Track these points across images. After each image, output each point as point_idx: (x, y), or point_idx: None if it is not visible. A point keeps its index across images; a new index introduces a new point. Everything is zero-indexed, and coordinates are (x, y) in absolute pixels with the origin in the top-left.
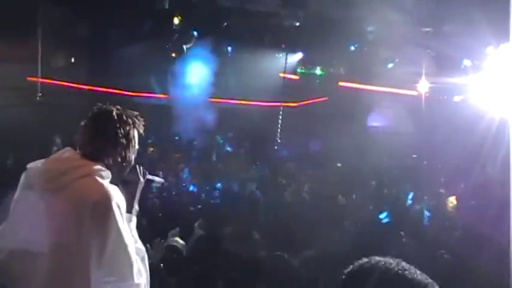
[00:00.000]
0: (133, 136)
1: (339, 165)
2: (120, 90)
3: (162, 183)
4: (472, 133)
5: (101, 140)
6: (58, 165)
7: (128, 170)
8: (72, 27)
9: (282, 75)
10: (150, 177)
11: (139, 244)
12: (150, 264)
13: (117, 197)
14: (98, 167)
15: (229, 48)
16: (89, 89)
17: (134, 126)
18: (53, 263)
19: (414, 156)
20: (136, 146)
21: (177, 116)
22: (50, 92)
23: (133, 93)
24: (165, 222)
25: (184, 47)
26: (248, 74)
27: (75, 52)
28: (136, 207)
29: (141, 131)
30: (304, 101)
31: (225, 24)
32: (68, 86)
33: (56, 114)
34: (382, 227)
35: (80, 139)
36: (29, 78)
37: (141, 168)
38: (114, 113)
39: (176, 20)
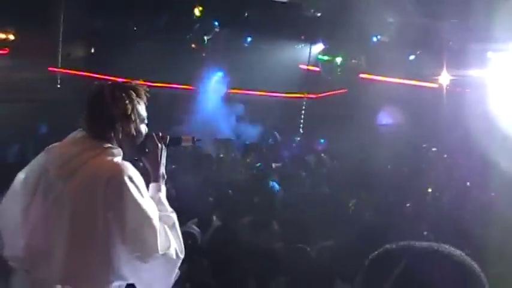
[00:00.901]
0: (133, 109)
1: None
2: (139, 80)
3: (193, 142)
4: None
5: (98, 119)
6: (69, 149)
7: (141, 140)
8: (92, 18)
9: (303, 66)
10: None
11: (169, 212)
12: None
13: (130, 171)
14: (107, 145)
15: (249, 39)
16: (108, 80)
17: (131, 99)
18: (71, 243)
19: (434, 149)
20: (142, 117)
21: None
22: (68, 83)
23: (152, 84)
24: (183, 213)
25: (205, 37)
26: (268, 65)
27: (94, 43)
28: (163, 173)
29: (144, 100)
30: (324, 92)
31: (246, 14)
32: (87, 76)
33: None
34: (403, 219)
35: (82, 123)
36: (50, 69)
37: (160, 134)
38: (104, 90)
39: (197, 11)
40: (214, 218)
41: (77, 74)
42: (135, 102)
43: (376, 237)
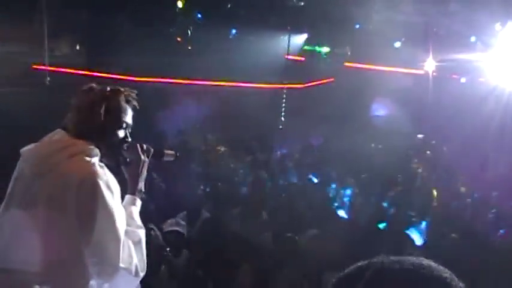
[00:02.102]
0: (120, 112)
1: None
2: (124, 75)
3: (176, 157)
4: (478, 112)
5: (83, 118)
6: (46, 148)
7: (124, 148)
8: (75, 13)
9: (289, 57)
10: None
11: (138, 228)
12: (153, 250)
13: (106, 175)
14: (85, 145)
15: (234, 31)
16: (92, 75)
17: (119, 102)
18: (47, 243)
19: (420, 136)
20: (127, 122)
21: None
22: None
23: (138, 79)
24: (172, 206)
25: (189, 30)
26: (253, 56)
27: (78, 38)
28: (140, 187)
29: (133, 103)
30: (310, 82)
31: (229, 6)
32: (73, 73)
33: (61, 101)
34: (390, 209)
35: (66, 122)
36: (34, 66)
37: (144, 145)
38: (93, 91)
39: (179, 3)
40: (203, 211)
41: (62, 72)
42: (123, 105)
43: (367, 230)
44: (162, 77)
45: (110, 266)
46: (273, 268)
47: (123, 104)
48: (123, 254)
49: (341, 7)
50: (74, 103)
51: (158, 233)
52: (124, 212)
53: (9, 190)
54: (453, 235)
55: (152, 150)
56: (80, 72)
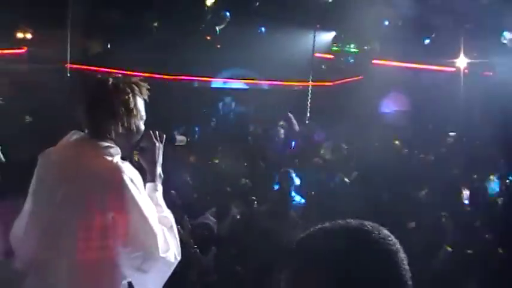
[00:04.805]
0: (135, 104)
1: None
2: (154, 73)
3: (187, 140)
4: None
5: (99, 112)
6: (65, 152)
7: (138, 138)
8: (105, 12)
9: (317, 54)
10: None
11: (166, 213)
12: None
13: (129, 172)
14: (105, 145)
15: (263, 29)
16: (124, 74)
17: (134, 94)
18: (77, 251)
19: (452, 133)
20: (142, 113)
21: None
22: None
23: (168, 77)
24: (201, 203)
25: (217, 28)
26: (282, 54)
27: (109, 37)
28: (160, 173)
29: (145, 97)
30: (339, 80)
31: (257, 3)
32: (105, 72)
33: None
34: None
35: (81, 117)
36: (66, 65)
37: (156, 132)
38: (108, 83)
39: (209, 1)
40: (233, 207)
41: (93, 70)
42: (137, 97)
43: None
44: (191, 75)
45: (150, 258)
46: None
47: (138, 97)
48: (160, 244)
49: (369, 4)
50: (86, 100)
51: (188, 227)
52: (151, 202)
53: (31, 198)
54: None
55: (164, 136)
56: (111, 70)
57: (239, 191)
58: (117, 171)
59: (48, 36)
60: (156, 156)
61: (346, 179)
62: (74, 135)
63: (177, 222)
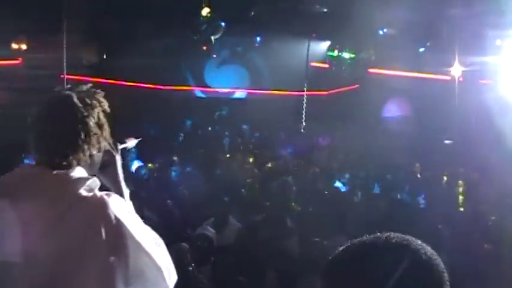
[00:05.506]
0: (103, 119)
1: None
2: (150, 83)
3: (137, 143)
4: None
5: (65, 133)
6: (29, 200)
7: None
8: (101, 22)
9: (313, 64)
10: (122, 146)
11: (150, 231)
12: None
13: (118, 204)
14: (76, 177)
15: (258, 38)
16: (119, 85)
17: (102, 107)
18: None
19: (447, 141)
20: (108, 129)
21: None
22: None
23: (164, 87)
24: (198, 213)
25: (212, 38)
26: (277, 63)
27: (104, 47)
28: (125, 189)
29: (108, 110)
30: (334, 89)
31: (252, 13)
32: (100, 82)
33: None
34: (417, 212)
35: (39, 142)
36: (61, 75)
37: (111, 142)
38: (74, 99)
39: (204, 11)
40: (231, 217)
41: (88, 80)
42: (103, 111)
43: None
44: (187, 85)
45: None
46: (300, 273)
47: (102, 110)
48: (166, 274)
49: (365, 13)
50: (49, 120)
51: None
52: (145, 227)
53: None
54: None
55: (118, 143)
56: (107, 81)
57: (237, 201)
58: (106, 210)
59: (43, 47)
60: (118, 170)
61: (341, 184)
62: (26, 170)
63: (178, 235)
